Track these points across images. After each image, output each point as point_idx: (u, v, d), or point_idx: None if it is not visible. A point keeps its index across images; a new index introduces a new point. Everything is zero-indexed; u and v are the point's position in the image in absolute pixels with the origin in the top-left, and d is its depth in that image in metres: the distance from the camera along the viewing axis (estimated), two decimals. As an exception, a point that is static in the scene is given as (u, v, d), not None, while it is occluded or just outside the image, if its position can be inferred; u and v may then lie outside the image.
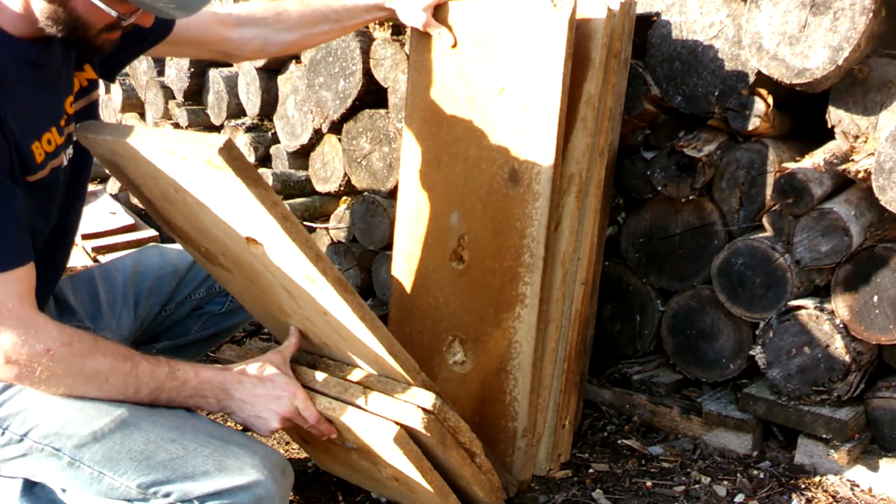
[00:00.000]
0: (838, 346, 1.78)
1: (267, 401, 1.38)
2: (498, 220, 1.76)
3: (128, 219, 3.46)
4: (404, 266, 1.93)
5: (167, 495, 1.28)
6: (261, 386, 1.40)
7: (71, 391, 1.30)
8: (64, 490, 1.36)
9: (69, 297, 1.72)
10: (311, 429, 1.43)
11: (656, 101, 2.02)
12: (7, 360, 1.24)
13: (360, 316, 1.34)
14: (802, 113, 1.98)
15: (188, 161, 1.20)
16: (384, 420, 1.38)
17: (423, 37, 1.87)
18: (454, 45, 1.79)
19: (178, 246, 1.93)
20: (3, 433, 1.32)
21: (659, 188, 1.97)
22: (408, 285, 1.92)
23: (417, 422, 1.36)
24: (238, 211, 1.26)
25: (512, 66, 1.71)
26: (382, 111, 2.55)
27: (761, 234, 1.90)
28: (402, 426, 1.37)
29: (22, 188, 1.33)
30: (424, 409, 1.39)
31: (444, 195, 1.84)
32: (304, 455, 1.95)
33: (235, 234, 1.34)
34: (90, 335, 1.32)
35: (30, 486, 1.38)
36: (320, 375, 1.50)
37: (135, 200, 3.75)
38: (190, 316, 1.91)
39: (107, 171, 4.09)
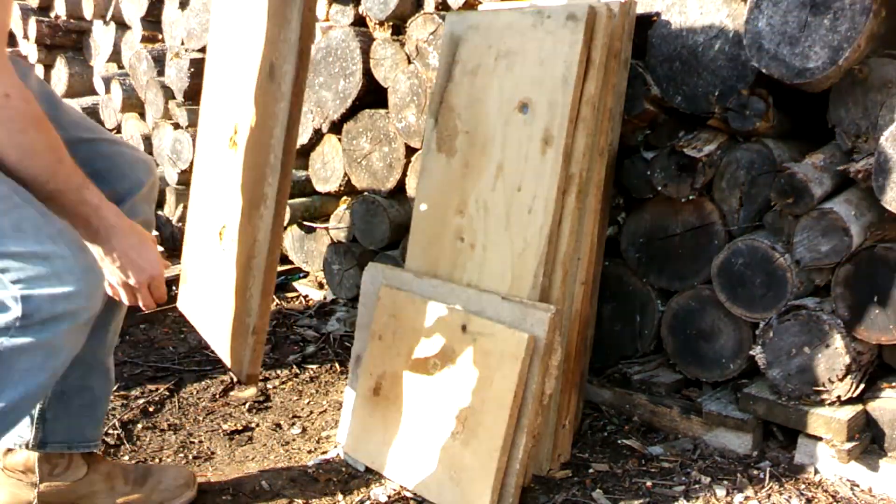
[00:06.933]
0: (838, 347, 1.78)
1: (131, 265, 1.38)
2: None
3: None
4: None
5: None
6: (136, 250, 1.39)
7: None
8: None
9: None
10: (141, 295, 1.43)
11: (656, 101, 2.02)
12: None
13: None
14: (802, 113, 1.98)
15: None
16: None
17: None
18: None
19: None
20: None
21: (659, 188, 1.96)
22: None
23: None
24: None
25: None
26: (382, 111, 2.55)
27: (761, 234, 1.90)
28: None
29: None
30: None
31: None
32: (303, 456, 1.96)
33: None
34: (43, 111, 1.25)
35: None
36: None
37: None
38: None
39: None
